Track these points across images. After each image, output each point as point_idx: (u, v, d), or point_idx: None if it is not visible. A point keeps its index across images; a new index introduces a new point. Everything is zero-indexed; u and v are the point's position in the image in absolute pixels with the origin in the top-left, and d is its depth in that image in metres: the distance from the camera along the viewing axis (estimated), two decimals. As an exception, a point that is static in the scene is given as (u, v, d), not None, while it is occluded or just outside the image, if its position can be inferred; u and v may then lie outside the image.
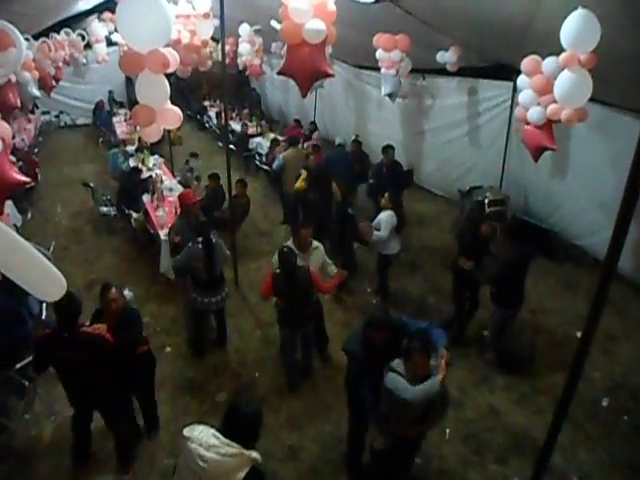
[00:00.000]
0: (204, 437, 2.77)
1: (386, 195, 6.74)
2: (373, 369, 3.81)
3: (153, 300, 7.13)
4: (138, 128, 4.90)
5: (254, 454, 2.79)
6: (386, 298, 7.21)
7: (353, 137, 10.41)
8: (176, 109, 4.57)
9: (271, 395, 5.55)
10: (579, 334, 3.24)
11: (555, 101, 4.62)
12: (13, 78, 6.36)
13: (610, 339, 6.26)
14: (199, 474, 2.71)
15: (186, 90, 16.32)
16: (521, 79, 5.31)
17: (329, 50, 8.75)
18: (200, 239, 5.65)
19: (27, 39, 8.05)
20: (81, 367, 4.03)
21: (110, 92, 16.82)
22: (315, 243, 5.71)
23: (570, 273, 7.71)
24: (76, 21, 13.58)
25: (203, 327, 6.30)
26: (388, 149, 8.70)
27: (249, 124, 13.92)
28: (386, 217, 6.58)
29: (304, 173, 8.30)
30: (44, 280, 2.78)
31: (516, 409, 5.36)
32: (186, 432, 2.84)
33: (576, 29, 3.91)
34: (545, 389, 5.49)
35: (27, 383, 5.24)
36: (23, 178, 4.39)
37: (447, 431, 5.03)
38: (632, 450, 4.84)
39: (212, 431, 2.83)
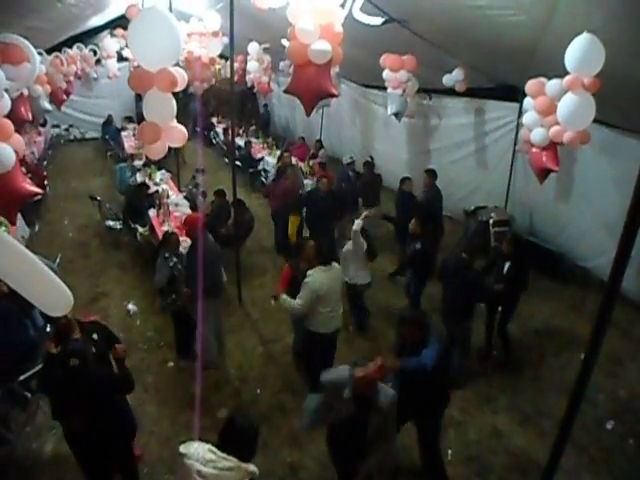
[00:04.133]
0: (201, 453, 2.79)
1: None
2: None
3: (157, 314, 7.13)
4: (144, 145, 4.96)
5: (251, 467, 2.82)
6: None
7: (368, 158, 10.34)
8: (181, 127, 4.63)
9: (272, 413, 5.52)
10: (583, 356, 3.22)
11: (558, 123, 4.65)
12: (25, 91, 6.45)
13: (615, 361, 6.22)
14: None
15: (193, 106, 16.46)
16: (527, 101, 5.35)
17: (336, 69, 8.88)
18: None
19: (40, 53, 8.18)
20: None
21: (109, 116, 16.91)
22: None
23: (575, 295, 7.68)
24: (88, 36, 13.87)
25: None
26: (406, 180, 8.32)
27: (254, 141, 14.03)
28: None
29: None
30: (50, 294, 2.80)
31: (519, 430, 5.32)
32: (182, 449, 2.85)
33: (581, 53, 3.96)
34: (549, 411, 5.44)
35: (29, 395, 5.23)
36: (35, 189, 4.45)
37: (449, 452, 4.99)
38: (637, 474, 4.80)
39: (208, 446, 2.84)
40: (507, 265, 5.89)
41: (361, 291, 6.68)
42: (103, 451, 3.96)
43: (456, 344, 5.81)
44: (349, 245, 6.41)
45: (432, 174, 8.21)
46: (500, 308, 6.17)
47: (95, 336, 4.26)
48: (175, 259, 6.01)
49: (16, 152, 4.07)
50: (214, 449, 2.82)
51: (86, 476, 4.17)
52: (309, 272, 5.17)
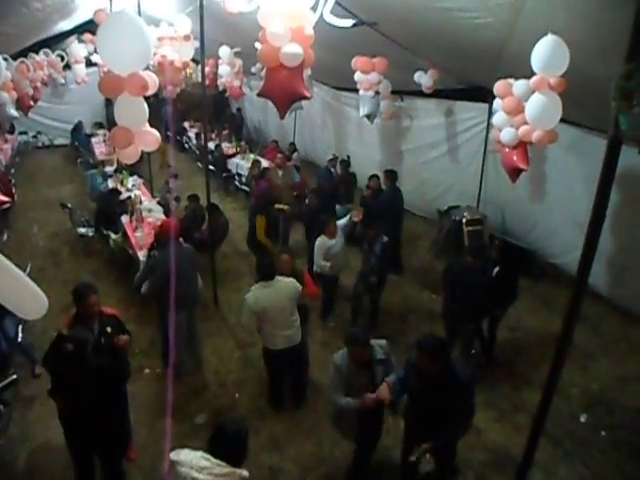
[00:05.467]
0: (194, 460, 2.79)
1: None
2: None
3: (132, 321, 7.02)
4: (117, 150, 4.90)
5: (244, 472, 2.84)
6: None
7: (344, 157, 10.61)
8: (154, 131, 4.58)
9: (251, 416, 5.49)
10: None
11: (527, 123, 4.74)
12: (-10, 98, 6.34)
13: (587, 356, 6.36)
14: None
15: (165, 111, 16.32)
16: (496, 101, 5.44)
17: (308, 72, 8.89)
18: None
19: (5, 59, 8.02)
20: None
21: (79, 122, 16.70)
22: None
23: (547, 291, 7.82)
24: (56, 42, 13.60)
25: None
26: (374, 177, 8.62)
27: (227, 145, 13.98)
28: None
29: None
30: (26, 298, 2.77)
31: (496, 427, 5.39)
32: (173, 456, 2.85)
33: (546, 54, 4.03)
34: (524, 406, 5.53)
35: (2, 407, 5.11)
36: (3, 198, 4.37)
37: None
38: (610, 465, 4.90)
39: (200, 453, 2.84)
40: (496, 270, 5.95)
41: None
42: (91, 437, 4.11)
43: (458, 347, 6.02)
44: (335, 240, 6.65)
45: (391, 175, 8.36)
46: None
47: (109, 329, 4.28)
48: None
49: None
50: (207, 456, 2.82)
51: (73, 459, 4.30)
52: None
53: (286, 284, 5.15)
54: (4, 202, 4.59)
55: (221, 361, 6.50)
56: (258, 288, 5.12)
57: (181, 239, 6.10)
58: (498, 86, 5.18)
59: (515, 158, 5.20)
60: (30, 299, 2.78)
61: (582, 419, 5.47)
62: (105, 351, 4.14)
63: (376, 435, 4.50)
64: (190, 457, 2.82)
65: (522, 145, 5.10)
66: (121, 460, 4.60)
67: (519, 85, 4.77)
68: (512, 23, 4.69)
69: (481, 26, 5.00)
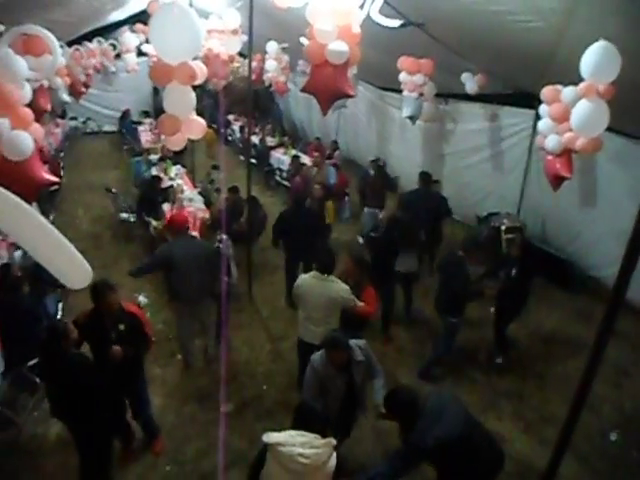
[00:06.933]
0: (291, 438, 2.98)
1: None
2: None
3: (167, 307, 7.19)
4: (162, 137, 5.03)
5: (333, 440, 3.03)
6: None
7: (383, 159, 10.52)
8: (200, 120, 4.69)
9: (277, 409, 5.55)
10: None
11: (571, 130, 4.65)
12: (45, 83, 6.55)
13: (622, 373, 6.20)
14: (301, 471, 2.89)
15: (208, 102, 16.53)
16: (542, 107, 5.34)
17: (354, 71, 8.90)
18: None
19: (61, 46, 8.27)
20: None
21: (126, 110, 17.08)
22: None
23: (585, 304, 7.63)
24: (109, 31, 13.99)
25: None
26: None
27: (270, 139, 14.10)
28: None
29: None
30: (72, 267, 2.87)
31: (522, 438, 5.32)
32: (270, 439, 2.98)
33: (596, 60, 3.94)
34: (553, 419, 5.41)
35: (38, 381, 5.29)
36: (52, 178, 4.53)
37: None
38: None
39: (291, 432, 3.06)
40: (514, 270, 5.92)
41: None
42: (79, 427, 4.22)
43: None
44: None
45: (423, 177, 8.28)
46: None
47: (122, 327, 4.36)
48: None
49: (35, 141, 4.15)
50: (301, 432, 3.03)
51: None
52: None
53: (334, 288, 5.01)
54: (53, 183, 4.73)
55: (252, 352, 6.58)
56: (310, 276, 5.14)
57: (195, 234, 6.15)
58: (546, 92, 5.09)
59: (558, 166, 5.10)
60: (76, 269, 2.89)
61: (612, 437, 5.33)
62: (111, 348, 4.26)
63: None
64: (286, 436, 3.00)
65: (566, 153, 5.00)
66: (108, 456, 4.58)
67: (568, 91, 4.67)
68: (563, 28, 4.60)
69: (531, 30, 4.92)
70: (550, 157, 5.23)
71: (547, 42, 5.08)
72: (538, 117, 5.65)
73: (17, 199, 2.53)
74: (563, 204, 8.20)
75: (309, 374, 4.20)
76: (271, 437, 2.99)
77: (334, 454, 3.01)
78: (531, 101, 7.83)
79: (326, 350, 4.13)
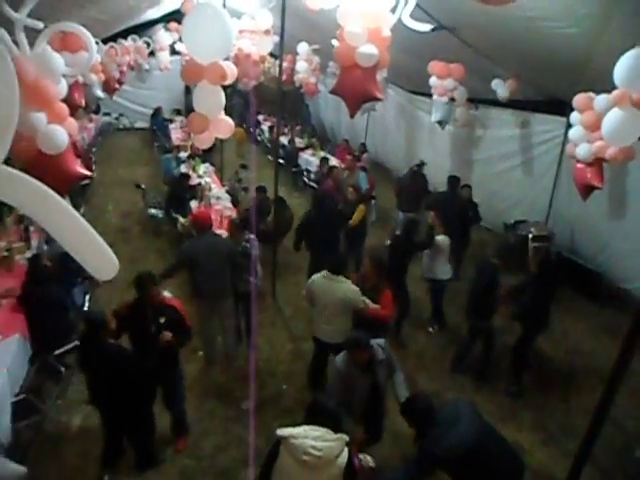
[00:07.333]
0: (306, 432, 3.03)
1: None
2: None
3: (191, 304, 7.25)
4: (192, 135, 5.10)
5: (345, 436, 3.08)
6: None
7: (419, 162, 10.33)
8: (229, 119, 4.75)
9: (295, 408, 5.56)
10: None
11: (602, 138, 4.57)
12: (80, 79, 6.69)
13: (648, 388, 6.05)
14: (313, 464, 2.93)
15: (237, 102, 16.66)
16: (574, 115, 5.27)
17: (384, 74, 8.89)
18: None
19: (97, 43, 8.46)
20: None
21: (158, 107, 17.28)
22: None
23: (612, 317, 7.46)
24: (143, 29, 14.29)
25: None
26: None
27: (299, 140, 14.15)
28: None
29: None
30: (100, 258, 2.94)
31: (543, 449, 5.24)
32: (285, 433, 3.03)
33: (630, 68, 3.88)
34: (575, 432, 5.30)
35: (63, 369, 5.41)
36: (85, 172, 4.63)
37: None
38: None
39: (304, 427, 3.08)
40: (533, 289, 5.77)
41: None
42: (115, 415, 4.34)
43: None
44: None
45: (451, 180, 8.36)
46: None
47: (162, 320, 4.44)
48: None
49: (70, 135, 4.25)
50: (314, 427, 3.06)
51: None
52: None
53: (342, 288, 5.06)
54: (86, 176, 4.84)
55: (273, 351, 6.62)
56: (321, 275, 5.19)
57: (222, 232, 6.18)
58: (578, 99, 5.03)
59: (589, 175, 5.03)
60: (103, 260, 2.96)
61: (637, 454, 5.20)
62: (152, 342, 4.31)
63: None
64: (300, 430, 3.04)
65: (597, 162, 4.93)
66: (151, 442, 4.74)
67: (600, 99, 4.61)
68: (597, 34, 4.54)
69: (565, 36, 4.86)
70: (580, 166, 5.15)
71: (581, 48, 5.02)
72: (569, 125, 5.57)
73: (49, 190, 2.59)
74: (594, 214, 8.04)
75: (333, 377, 4.24)
76: (284, 430, 3.05)
77: (346, 449, 3.04)
78: (563, 108, 7.71)
79: (348, 350, 4.16)
